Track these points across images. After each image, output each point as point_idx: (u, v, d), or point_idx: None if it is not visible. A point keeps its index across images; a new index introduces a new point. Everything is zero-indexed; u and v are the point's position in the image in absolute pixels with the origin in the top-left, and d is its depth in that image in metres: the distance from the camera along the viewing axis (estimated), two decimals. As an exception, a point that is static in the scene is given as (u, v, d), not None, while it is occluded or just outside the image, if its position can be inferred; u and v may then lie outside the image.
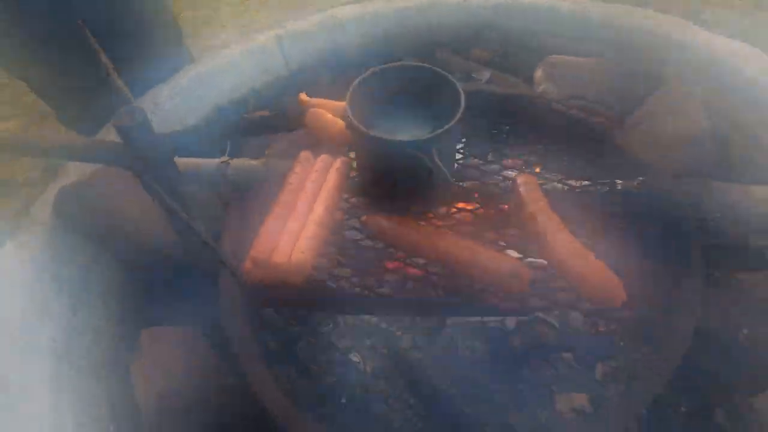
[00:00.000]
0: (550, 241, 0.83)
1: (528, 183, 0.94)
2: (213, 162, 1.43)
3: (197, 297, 1.26)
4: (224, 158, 1.41)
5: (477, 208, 1.01)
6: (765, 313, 1.19)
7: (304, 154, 1.00)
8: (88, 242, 1.45)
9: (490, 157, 1.24)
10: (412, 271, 0.94)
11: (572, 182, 1.20)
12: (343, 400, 1.17)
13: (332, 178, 0.91)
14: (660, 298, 1.18)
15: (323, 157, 0.98)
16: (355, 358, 1.26)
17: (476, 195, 1.04)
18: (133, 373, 1.25)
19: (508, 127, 1.38)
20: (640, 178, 1.20)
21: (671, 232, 1.16)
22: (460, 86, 0.87)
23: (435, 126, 0.84)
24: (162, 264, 1.38)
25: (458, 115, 0.82)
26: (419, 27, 2.04)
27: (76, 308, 1.41)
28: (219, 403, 1.20)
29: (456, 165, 1.06)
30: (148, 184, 0.98)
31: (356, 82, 0.89)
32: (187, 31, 4.52)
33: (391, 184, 0.91)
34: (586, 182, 1.20)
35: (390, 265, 0.93)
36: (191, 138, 1.19)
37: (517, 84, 1.82)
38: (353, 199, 0.98)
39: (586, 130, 1.47)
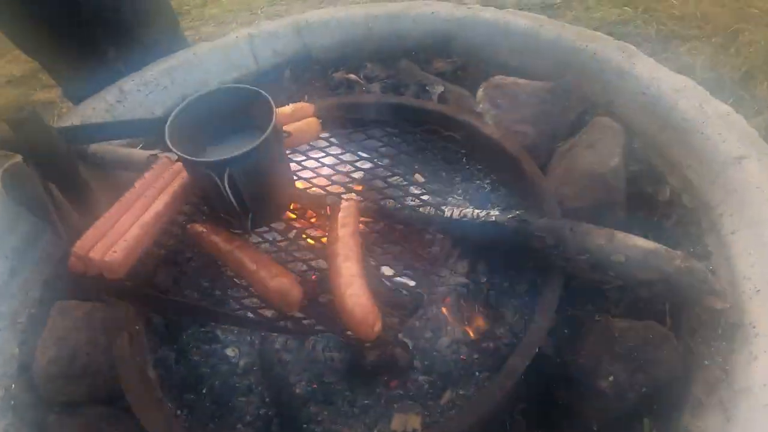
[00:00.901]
0: (336, 265, 0.85)
1: (347, 208, 0.96)
2: (144, 153, 1.54)
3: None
4: (153, 151, 1.51)
5: (297, 230, 1.04)
6: (630, 361, 1.16)
7: (165, 160, 1.07)
8: (31, 215, 1.60)
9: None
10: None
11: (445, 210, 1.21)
12: (204, 390, 1.25)
13: (172, 187, 0.98)
14: (504, 331, 1.18)
15: (177, 166, 1.04)
16: (231, 352, 1.33)
17: (301, 216, 1.07)
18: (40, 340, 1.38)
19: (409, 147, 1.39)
20: (517, 212, 1.19)
21: (532, 268, 1.15)
22: (274, 108, 0.90)
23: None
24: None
25: (258, 142, 0.85)
26: (386, 34, 2.06)
27: (14, 272, 1.57)
28: (99, 376, 1.31)
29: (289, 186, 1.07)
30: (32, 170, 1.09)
31: (178, 108, 0.93)
32: (220, 16, 4.69)
33: (205, 200, 0.96)
34: (463, 210, 1.21)
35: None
36: (98, 130, 1.29)
37: (466, 99, 1.81)
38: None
39: (501, 154, 1.46)
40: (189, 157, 0.84)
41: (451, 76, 1.98)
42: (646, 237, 1.37)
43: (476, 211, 1.22)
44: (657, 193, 1.49)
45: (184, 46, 2.40)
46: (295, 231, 1.06)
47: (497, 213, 1.20)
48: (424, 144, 1.69)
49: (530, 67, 1.83)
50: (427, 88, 1.89)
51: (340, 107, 1.61)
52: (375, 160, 1.32)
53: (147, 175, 1.00)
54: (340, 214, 0.94)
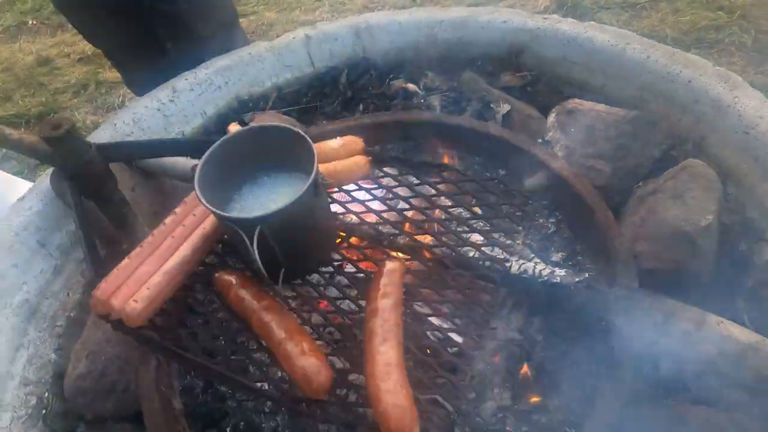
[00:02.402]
0: (372, 348, 0.74)
1: (391, 273, 0.83)
2: (189, 162, 1.49)
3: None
4: (196, 161, 1.45)
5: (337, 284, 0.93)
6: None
7: (193, 195, 0.98)
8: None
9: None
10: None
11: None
12: (228, 429, 1.19)
13: (202, 228, 0.89)
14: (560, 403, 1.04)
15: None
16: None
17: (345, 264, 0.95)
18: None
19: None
20: (586, 275, 1.03)
21: (597, 346, 1.00)
22: (315, 157, 0.78)
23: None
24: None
25: (294, 198, 0.75)
26: (451, 41, 1.90)
27: (58, 271, 1.55)
28: (128, 393, 1.28)
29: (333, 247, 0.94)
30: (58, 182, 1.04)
31: (212, 147, 0.84)
32: (283, 2, 4.61)
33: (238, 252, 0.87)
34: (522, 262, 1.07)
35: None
36: (137, 148, 1.23)
37: (535, 121, 1.64)
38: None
39: (571, 194, 1.30)
40: (216, 211, 0.75)
41: (520, 92, 1.81)
42: (734, 305, 1.21)
43: (538, 266, 1.08)
44: (753, 252, 1.28)
45: (242, 41, 2.35)
46: (334, 287, 0.95)
47: (562, 273, 1.06)
48: (483, 172, 1.56)
49: (611, 89, 1.64)
50: (491, 105, 1.73)
51: (395, 125, 1.49)
52: (431, 197, 1.19)
53: (178, 209, 0.93)
54: (382, 281, 0.82)
